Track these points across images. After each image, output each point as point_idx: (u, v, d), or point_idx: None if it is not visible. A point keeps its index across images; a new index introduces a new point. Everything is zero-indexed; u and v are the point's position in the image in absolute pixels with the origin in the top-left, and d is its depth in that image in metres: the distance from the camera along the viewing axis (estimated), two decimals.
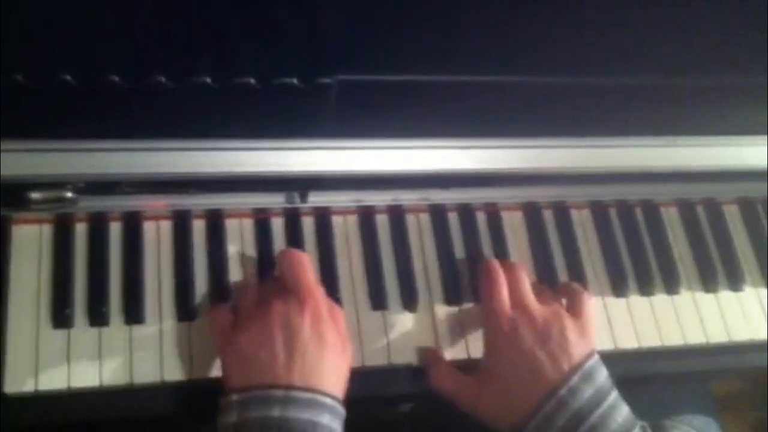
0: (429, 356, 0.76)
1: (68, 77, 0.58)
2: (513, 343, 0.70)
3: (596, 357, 0.71)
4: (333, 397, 0.64)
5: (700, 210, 0.90)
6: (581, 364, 0.69)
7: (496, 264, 0.76)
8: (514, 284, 0.74)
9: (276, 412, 0.62)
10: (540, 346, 0.69)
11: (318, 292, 0.69)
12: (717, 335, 0.83)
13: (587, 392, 0.67)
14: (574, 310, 0.74)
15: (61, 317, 0.70)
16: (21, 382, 0.67)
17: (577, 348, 0.70)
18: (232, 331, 0.68)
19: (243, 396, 0.63)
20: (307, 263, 0.70)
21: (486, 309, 0.74)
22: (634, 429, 0.67)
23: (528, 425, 0.67)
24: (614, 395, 0.69)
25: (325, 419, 0.63)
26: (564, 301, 0.76)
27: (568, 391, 0.67)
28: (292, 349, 0.65)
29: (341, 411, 0.65)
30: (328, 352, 0.66)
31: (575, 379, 0.68)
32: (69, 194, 0.68)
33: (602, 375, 0.70)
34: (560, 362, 0.69)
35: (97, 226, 0.74)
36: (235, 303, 0.72)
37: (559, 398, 0.67)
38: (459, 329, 0.78)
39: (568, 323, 0.71)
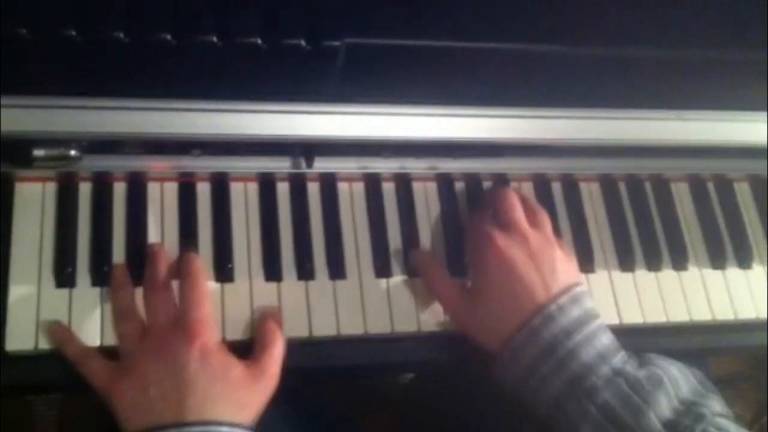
0: (424, 259, 0.78)
1: (73, 33, 0.58)
2: (506, 263, 0.72)
3: (584, 287, 0.73)
4: (231, 424, 0.63)
5: (710, 186, 0.89)
6: (570, 288, 0.71)
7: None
8: (508, 208, 0.76)
9: None
10: (533, 267, 0.72)
11: (209, 325, 0.67)
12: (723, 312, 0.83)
13: (575, 312, 0.70)
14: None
15: (63, 276, 0.69)
16: (22, 341, 0.67)
17: (567, 274, 0.73)
18: (117, 372, 0.66)
19: None
20: (204, 292, 0.69)
21: (477, 230, 0.75)
22: (620, 353, 0.69)
23: (515, 337, 0.69)
24: (600, 322, 0.71)
25: None
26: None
27: (557, 308, 0.69)
28: (180, 384, 0.63)
29: None
30: (223, 383, 0.64)
31: (564, 299, 0.70)
32: (73, 152, 0.67)
33: (589, 303, 0.72)
34: (550, 284, 0.71)
35: (101, 185, 0.73)
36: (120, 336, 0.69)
37: (547, 313, 0.69)
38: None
39: (558, 252, 0.74)
